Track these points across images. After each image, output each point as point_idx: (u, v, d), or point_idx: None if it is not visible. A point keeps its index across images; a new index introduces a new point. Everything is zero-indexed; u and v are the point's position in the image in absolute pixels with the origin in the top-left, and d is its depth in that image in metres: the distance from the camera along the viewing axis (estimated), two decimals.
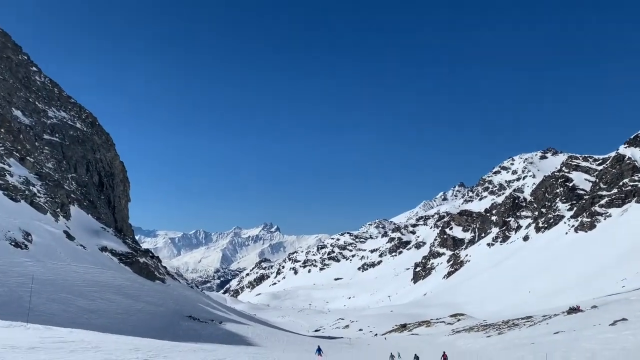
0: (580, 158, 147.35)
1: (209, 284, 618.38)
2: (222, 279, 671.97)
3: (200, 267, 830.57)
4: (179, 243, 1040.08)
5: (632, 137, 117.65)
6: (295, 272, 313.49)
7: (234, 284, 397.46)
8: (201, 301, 63.72)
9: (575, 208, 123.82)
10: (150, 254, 73.49)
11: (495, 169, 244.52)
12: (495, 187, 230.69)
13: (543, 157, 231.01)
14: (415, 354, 38.76)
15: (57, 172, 76.47)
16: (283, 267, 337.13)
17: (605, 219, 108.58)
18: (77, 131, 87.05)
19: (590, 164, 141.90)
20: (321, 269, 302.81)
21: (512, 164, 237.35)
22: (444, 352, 36.48)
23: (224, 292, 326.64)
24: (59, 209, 58.29)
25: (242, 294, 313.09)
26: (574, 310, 47.45)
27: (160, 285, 60.12)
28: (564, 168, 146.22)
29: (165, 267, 77.05)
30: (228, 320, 53.54)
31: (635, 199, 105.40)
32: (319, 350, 36.51)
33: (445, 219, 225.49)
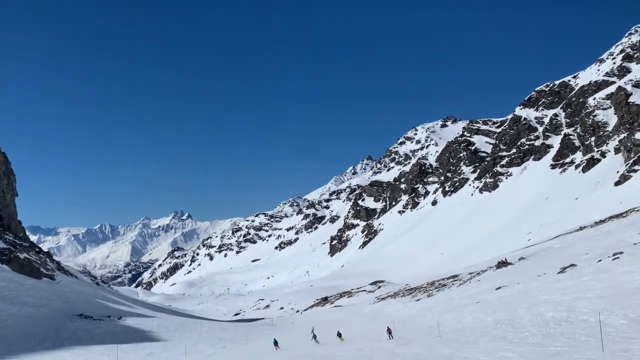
0: (480, 122, 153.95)
1: (120, 279, 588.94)
2: (133, 272, 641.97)
3: (109, 263, 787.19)
4: (83, 239, 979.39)
5: (526, 98, 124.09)
6: (211, 258, 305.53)
7: (146, 276, 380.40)
8: (100, 296, 56.81)
9: (478, 170, 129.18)
10: (37, 249, 64.95)
11: (400, 140, 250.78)
12: (402, 157, 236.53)
13: (444, 126, 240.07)
14: (338, 331, 35.69)
15: None
16: (197, 254, 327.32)
17: (507, 178, 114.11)
18: None
19: (490, 127, 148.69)
20: (238, 252, 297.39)
21: (415, 134, 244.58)
22: (388, 327, 33.15)
23: (136, 286, 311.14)
24: None
25: (155, 285, 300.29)
26: (503, 264, 47.00)
27: (47, 283, 52.64)
28: (465, 132, 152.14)
29: (57, 263, 69.02)
30: (131, 314, 47.93)
31: (532, 157, 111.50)
32: (275, 342, 33.87)
33: (357, 191, 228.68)
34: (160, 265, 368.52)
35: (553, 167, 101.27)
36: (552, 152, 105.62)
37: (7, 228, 75.91)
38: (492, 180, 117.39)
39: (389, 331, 32.36)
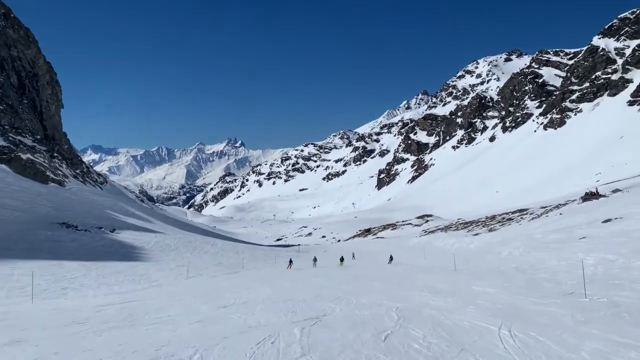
0: (551, 53, 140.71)
1: (174, 200, 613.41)
2: (187, 194, 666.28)
3: (164, 184, 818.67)
4: (141, 160, 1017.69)
5: (606, 26, 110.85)
6: (260, 185, 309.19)
7: (198, 199, 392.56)
8: (116, 208, 52.75)
9: (544, 105, 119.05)
10: (51, 153, 61.71)
11: (460, 73, 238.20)
12: (459, 91, 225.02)
13: (508, 60, 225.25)
14: (353, 253, 39.89)
15: None
16: (247, 180, 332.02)
17: (575, 114, 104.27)
18: None
19: (561, 58, 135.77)
20: (286, 180, 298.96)
21: (476, 67, 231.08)
22: (390, 255, 36.32)
23: (189, 207, 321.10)
24: None
25: (206, 208, 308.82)
26: (592, 195, 40.57)
27: (49, 188, 49.77)
28: (533, 64, 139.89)
29: (83, 171, 66.29)
30: (133, 228, 44.03)
31: (607, 92, 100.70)
32: (290, 261, 37.55)
33: (410, 125, 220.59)
34: (211, 189, 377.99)
35: (631, 103, 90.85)
36: (632, 87, 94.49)
37: (52, 139, 75.81)
38: (559, 116, 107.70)
39: (391, 258, 34.77)
